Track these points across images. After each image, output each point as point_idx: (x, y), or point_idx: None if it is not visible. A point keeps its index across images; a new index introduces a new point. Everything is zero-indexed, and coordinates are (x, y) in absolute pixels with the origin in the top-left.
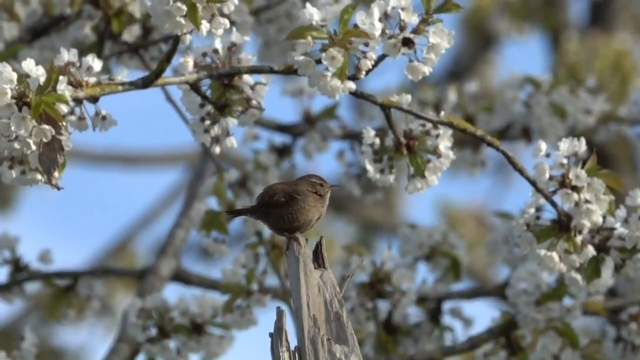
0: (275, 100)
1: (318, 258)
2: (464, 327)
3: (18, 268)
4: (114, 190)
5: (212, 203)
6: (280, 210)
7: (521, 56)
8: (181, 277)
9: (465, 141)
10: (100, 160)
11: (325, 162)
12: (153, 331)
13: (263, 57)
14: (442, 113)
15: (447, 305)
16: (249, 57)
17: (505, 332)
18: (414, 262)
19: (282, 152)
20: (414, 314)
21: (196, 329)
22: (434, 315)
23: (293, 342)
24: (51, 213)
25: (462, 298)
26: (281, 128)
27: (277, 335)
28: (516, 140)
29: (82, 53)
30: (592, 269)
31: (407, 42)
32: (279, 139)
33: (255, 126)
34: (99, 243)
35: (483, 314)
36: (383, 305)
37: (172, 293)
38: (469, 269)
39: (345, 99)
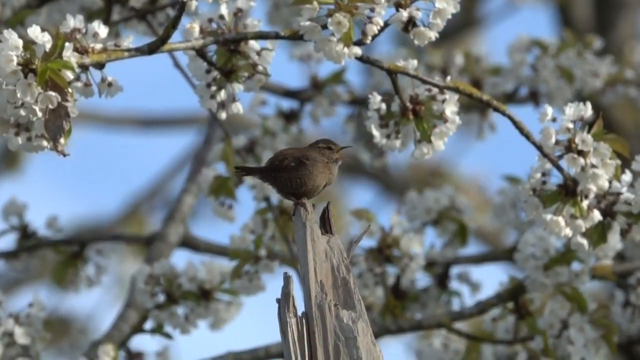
0: (283, 65)
1: (325, 223)
2: (472, 292)
3: (26, 235)
4: (128, 154)
5: (220, 169)
6: (289, 174)
7: (534, 23)
8: (189, 243)
9: (473, 105)
10: (115, 123)
11: (332, 127)
12: (161, 297)
13: (272, 20)
14: (449, 78)
15: (454, 270)
16: (255, 22)
17: (513, 296)
18: (421, 227)
19: (290, 117)
20: (421, 279)
21: (204, 295)
22: (442, 281)
23: (300, 308)
24: (62, 176)
25: (470, 263)
26: (289, 93)
27: (284, 300)
28: (524, 104)
29: (90, 19)
30: (599, 234)
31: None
32: (287, 104)
33: (263, 92)
34: (110, 207)
35: (491, 279)
36: (392, 272)
37: (180, 259)
38: (478, 233)
39: (354, 64)
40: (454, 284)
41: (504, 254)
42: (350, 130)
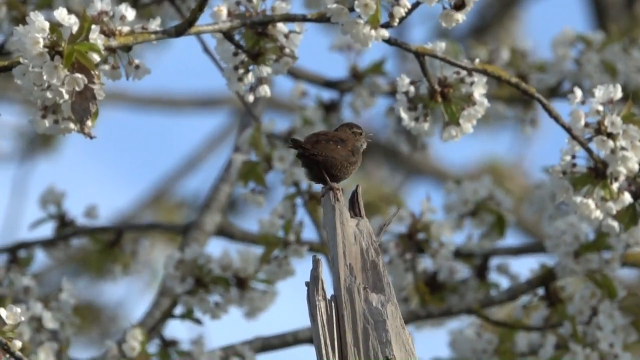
0: (324, 55)
1: (354, 206)
2: (511, 283)
3: (64, 223)
4: (158, 134)
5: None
6: (341, 157)
7: (565, 9)
8: (225, 232)
9: (516, 99)
10: (146, 104)
11: (373, 117)
12: (191, 283)
13: (310, 4)
14: (477, 60)
15: (493, 262)
16: (282, 5)
17: (544, 283)
18: (459, 219)
19: (330, 108)
20: (461, 270)
21: (240, 283)
22: (481, 272)
23: (329, 291)
24: (94, 156)
25: (509, 254)
26: (329, 84)
27: (313, 284)
28: (567, 98)
29: (120, 2)
30: (630, 217)
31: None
32: (327, 95)
33: (303, 82)
34: (142, 188)
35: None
36: (425, 261)
37: (217, 248)
38: (520, 223)
39: (392, 56)
40: (493, 276)
41: (542, 246)
42: (390, 122)
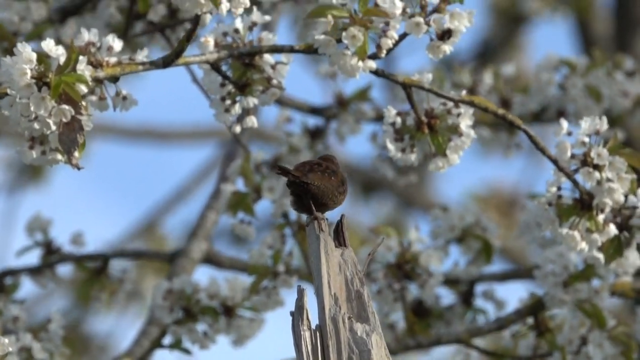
0: (308, 82)
1: (339, 236)
2: (497, 309)
3: (50, 251)
4: (147, 166)
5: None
6: (332, 186)
7: (553, 38)
8: (213, 260)
9: (500, 124)
10: (133, 136)
11: (357, 144)
12: (179, 313)
13: (302, 37)
14: (464, 92)
15: (479, 288)
16: (269, 36)
17: (533, 312)
18: (445, 245)
19: (315, 134)
20: (446, 296)
21: (227, 311)
22: (467, 298)
23: (314, 321)
24: (83, 188)
25: (494, 280)
26: (314, 110)
27: (297, 313)
28: (551, 123)
29: (113, 32)
30: (614, 248)
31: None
32: (312, 121)
33: (288, 108)
34: (130, 220)
35: (515, 297)
36: (412, 289)
37: (204, 276)
38: (504, 250)
39: (378, 82)
40: (479, 302)
41: (529, 272)
42: (374, 148)
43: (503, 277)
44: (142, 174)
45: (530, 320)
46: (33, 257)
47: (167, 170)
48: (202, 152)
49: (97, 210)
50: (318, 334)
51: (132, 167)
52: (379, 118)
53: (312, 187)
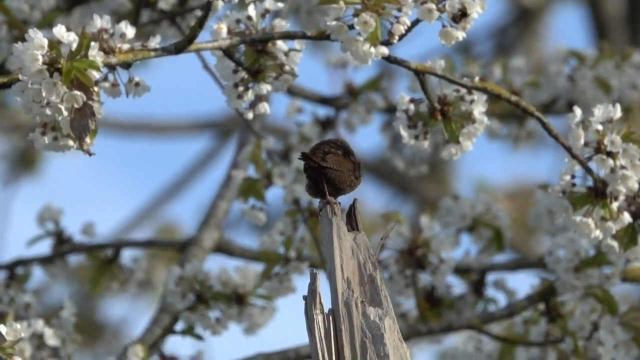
0: (319, 72)
1: (352, 221)
2: (508, 298)
3: (61, 240)
4: (143, 159)
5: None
6: (349, 171)
7: (570, 25)
8: (224, 249)
9: (509, 115)
10: (127, 130)
11: (368, 134)
12: (192, 299)
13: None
14: (477, 78)
15: (490, 277)
16: (282, 23)
17: (544, 298)
18: (456, 234)
19: (326, 124)
20: (457, 285)
21: (238, 300)
22: (477, 287)
23: (327, 305)
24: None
25: (506, 270)
26: (324, 100)
27: (310, 298)
28: (561, 114)
29: (119, 21)
30: (629, 237)
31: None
32: (323, 111)
33: (299, 98)
34: (127, 213)
35: (526, 286)
36: (425, 277)
37: (215, 265)
38: (510, 242)
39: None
40: (490, 291)
41: (541, 261)
42: (386, 138)
43: (514, 266)
44: (136, 167)
45: (541, 306)
46: (44, 247)
47: (162, 163)
48: (197, 145)
49: (93, 202)
50: (331, 318)
51: (127, 160)
52: (390, 108)
53: (330, 172)
